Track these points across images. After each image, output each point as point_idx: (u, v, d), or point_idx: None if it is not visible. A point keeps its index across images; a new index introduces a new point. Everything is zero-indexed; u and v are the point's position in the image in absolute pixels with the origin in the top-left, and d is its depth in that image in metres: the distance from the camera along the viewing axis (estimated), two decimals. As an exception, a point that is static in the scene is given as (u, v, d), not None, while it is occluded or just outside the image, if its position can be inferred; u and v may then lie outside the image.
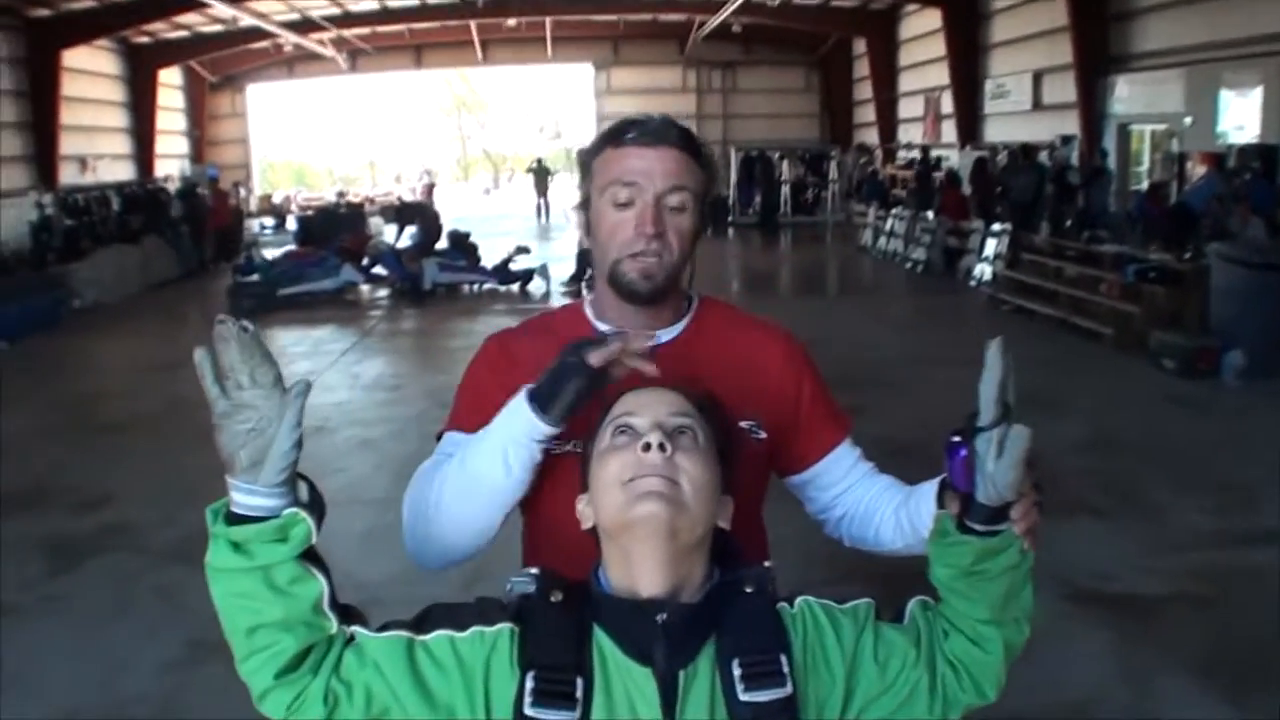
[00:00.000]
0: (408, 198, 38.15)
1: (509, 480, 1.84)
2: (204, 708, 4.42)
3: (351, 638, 1.54)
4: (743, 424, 2.01)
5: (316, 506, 1.48)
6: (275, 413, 1.42)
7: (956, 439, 1.56)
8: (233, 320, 1.40)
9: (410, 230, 19.51)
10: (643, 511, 1.51)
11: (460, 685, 1.51)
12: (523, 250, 17.94)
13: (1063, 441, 7.75)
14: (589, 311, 2.15)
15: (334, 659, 1.51)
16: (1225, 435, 8.44)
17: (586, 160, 2.09)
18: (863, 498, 2.14)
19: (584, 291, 14.73)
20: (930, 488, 1.88)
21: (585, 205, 2.09)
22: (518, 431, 1.80)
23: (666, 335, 2.08)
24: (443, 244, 18.65)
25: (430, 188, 40.48)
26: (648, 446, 1.54)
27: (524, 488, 1.87)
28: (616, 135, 2.03)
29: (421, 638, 1.53)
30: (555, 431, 1.77)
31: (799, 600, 1.62)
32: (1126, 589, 5.53)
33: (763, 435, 2.07)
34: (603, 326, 2.09)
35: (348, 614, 1.55)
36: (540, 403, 1.77)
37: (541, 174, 35.89)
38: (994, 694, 1.67)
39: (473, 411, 2.03)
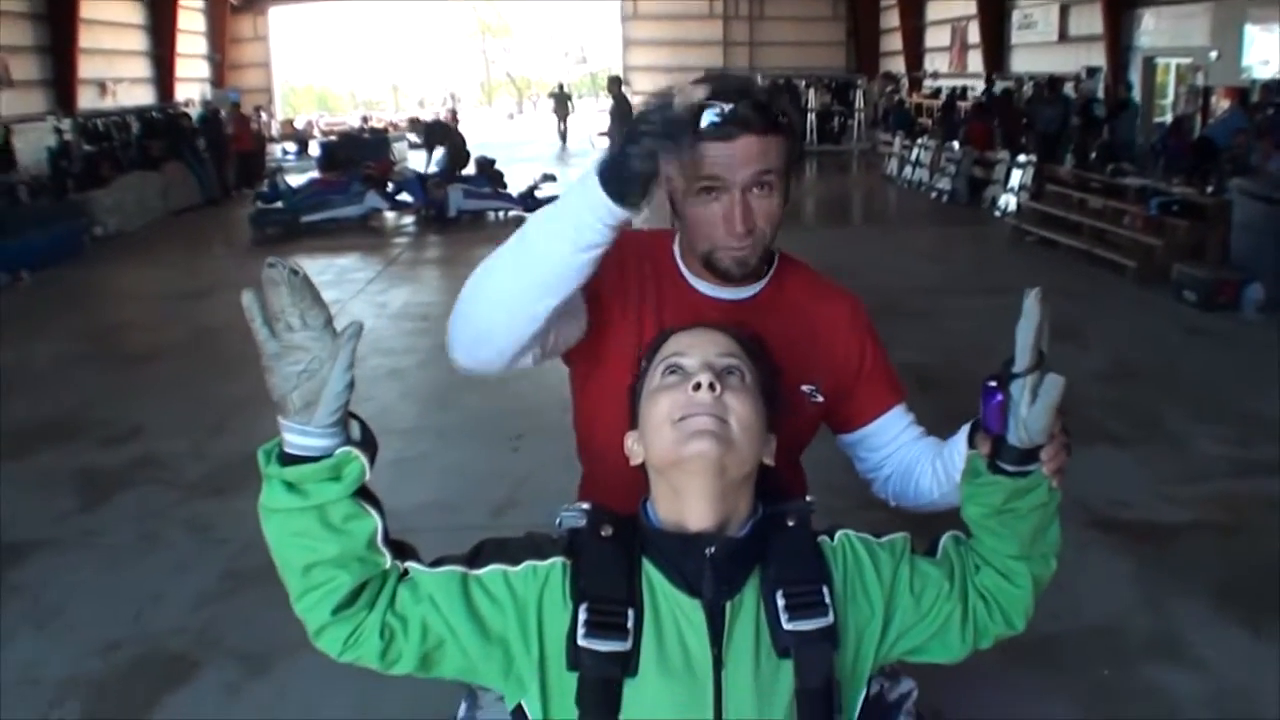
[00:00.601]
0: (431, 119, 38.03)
1: (572, 258, 1.72)
2: (239, 637, 4.49)
3: (405, 572, 1.59)
4: (804, 388, 2.09)
5: (369, 444, 1.52)
6: (327, 355, 1.44)
7: (992, 383, 1.60)
8: (282, 263, 1.40)
9: (438, 152, 19.30)
10: (693, 449, 1.55)
11: (514, 617, 1.56)
12: (549, 178, 17.75)
13: (1084, 371, 7.77)
14: (676, 250, 2.15)
15: (389, 594, 1.56)
16: (1244, 367, 8.46)
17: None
18: (907, 457, 2.18)
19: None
20: (961, 435, 1.93)
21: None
22: (587, 214, 1.68)
23: (746, 292, 2.12)
24: (470, 169, 18.53)
25: (454, 112, 40.23)
26: (698, 386, 1.59)
27: (583, 275, 1.75)
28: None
29: (475, 572, 1.59)
30: (628, 216, 1.67)
31: (839, 534, 1.69)
32: (1146, 516, 5.59)
33: (820, 399, 2.13)
34: (688, 274, 2.12)
35: (401, 550, 1.60)
36: (613, 184, 1.63)
37: (562, 100, 35.60)
38: (1022, 625, 1.75)
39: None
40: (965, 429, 1.87)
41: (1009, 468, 1.61)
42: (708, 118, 1.87)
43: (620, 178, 1.62)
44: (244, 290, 1.41)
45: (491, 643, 1.57)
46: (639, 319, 2.07)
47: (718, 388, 1.58)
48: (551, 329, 1.87)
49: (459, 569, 1.59)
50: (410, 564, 1.59)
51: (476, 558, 1.61)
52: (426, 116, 23.46)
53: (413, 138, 31.71)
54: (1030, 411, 1.54)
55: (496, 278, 1.81)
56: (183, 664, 4.36)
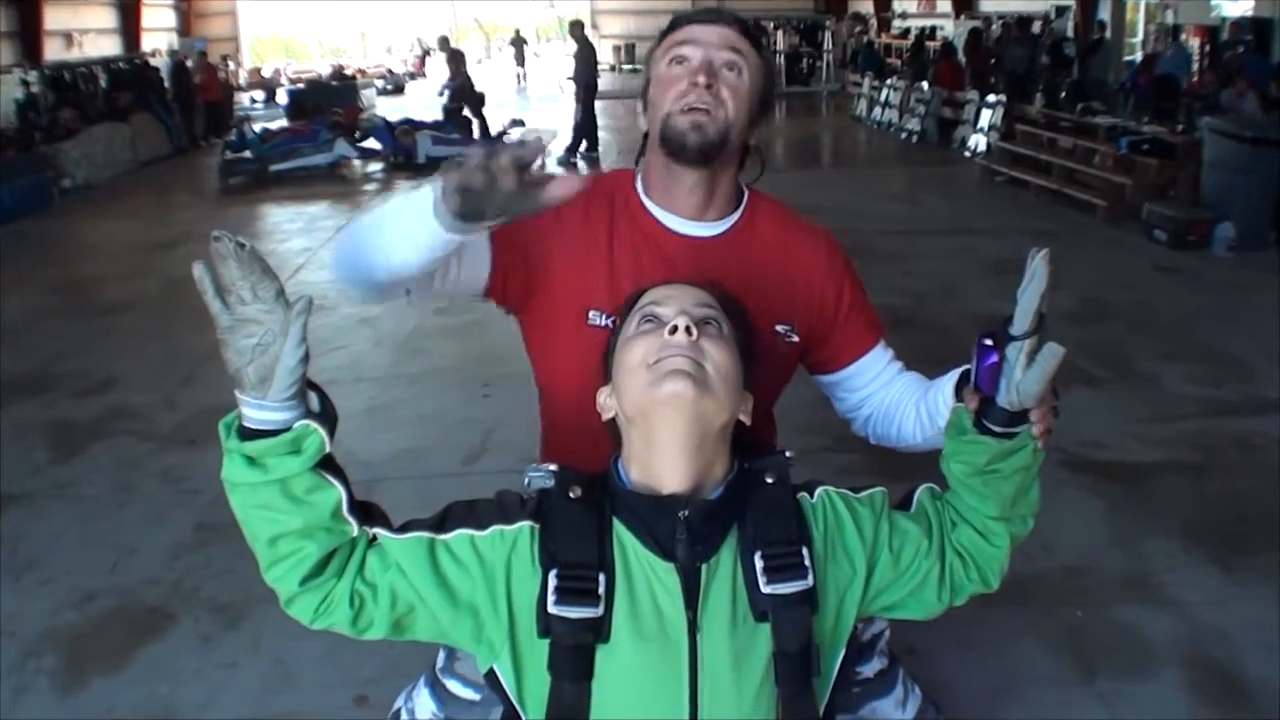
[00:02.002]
0: (400, 69, 37.64)
1: (418, 255, 1.73)
2: (214, 588, 4.50)
3: (374, 539, 1.57)
4: (778, 328, 2.04)
5: (328, 416, 1.49)
6: (279, 328, 1.40)
7: (987, 341, 1.57)
8: (228, 236, 1.37)
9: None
10: (668, 390, 1.51)
11: (482, 583, 1.54)
12: (517, 123, 17.68)
13: (1055, 311, 7.37)
14: (638, 184, 2.11)
15: (358, 561, 1.55)
16: (1215, 306, 8.50)
17: (649, 55, 2.07)
18: (887, 397, 2.15)
19: (579, 162, 14.51)
20: (949, 381, 1.91)
21: (645, 93, 2.06)
22: (423, 231, 1.68)
23: (717, 229, 2.07)
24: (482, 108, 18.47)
25: (422, 58, 39.93)
26: (674, 330, 1.54)
27: (443, 255, 1.75)
28: (674, 24, 2.02)
29: (442, 537, 1.56)
30: (453, 238, 1.66)
31: (819, 490, 1.66)
32: (1117, 456, 5.63)
33: (795, 339, 2.09)
34: (649, 203, 2.07)
35: (369, 514, 1.58)
36: (447, 216, 1.63)
37: (519, 44, 35.69)
38: (997, 583, 1.73)
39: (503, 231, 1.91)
40: (953, 377, 1.86)
41: (995, 428, 1.59)
42: (687, 17, 1.99)
43: (457, 213, 1.63)
44: (194, 262, 1.39)
45: (460, 609, 1.55)
46: (596, 262, 2.03)
47: (694, 332, 1.54)
48: (439, 272, 1.86)
49: (426, 534, 1.57)
50: (378, 530, 1.58)
51: (444, 522, 1.59)
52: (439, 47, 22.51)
53: (380, 84, 31.48)
54: (1025, 375, 1.52)
55: (359, 238, 1.84)
56: (158, 615, 4.37)
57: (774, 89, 2.09)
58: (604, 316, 1.93)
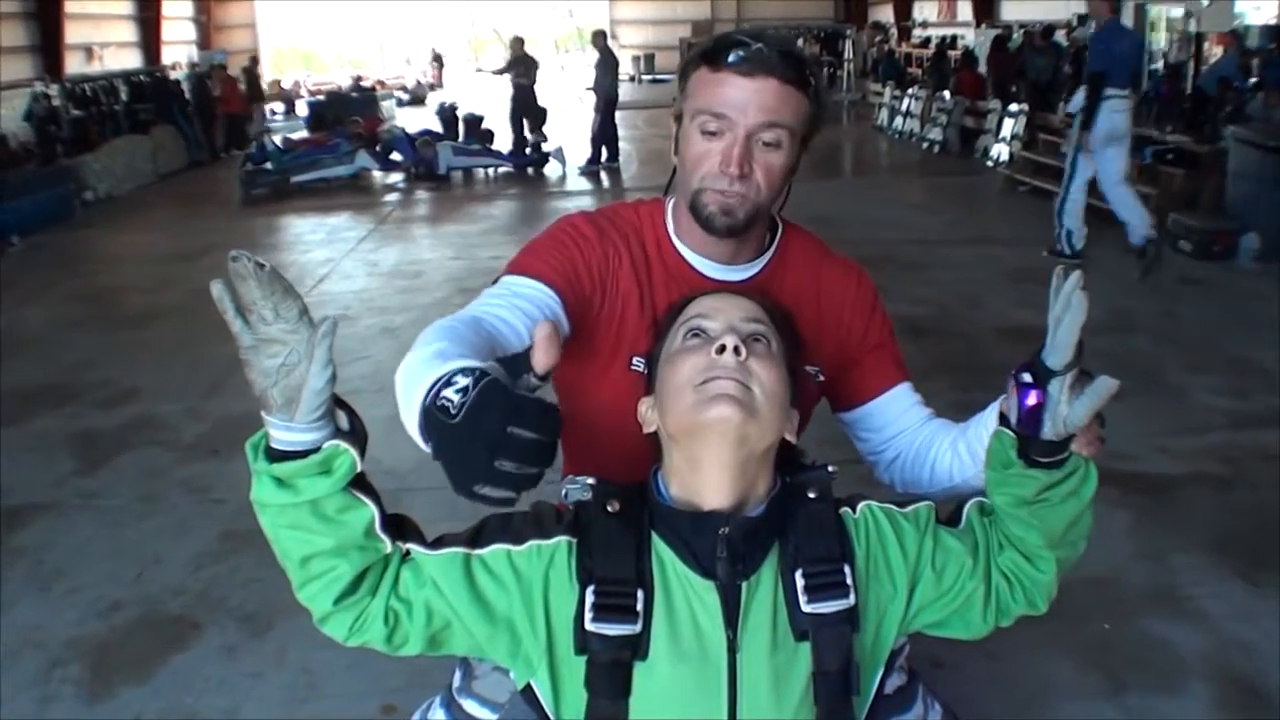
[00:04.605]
0: (419, 79, 37.66)
1: None
2: (239, 598, 4.51)
3: (407, 554, 1.54)
4: (808, 368, 1.96)
5: (358, 434, 1.43)
6: (304, 349, 1.35)
7: (1026, 377, 1.48)
8: (246, 256, 1.30)
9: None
10: (715, 414, 1.47)
11: (519, 599, 1.52)
12: (540, 137, 17.78)
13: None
14: (669, 225, 2.05)
15: (391, 578, 1.52)
16: (1240, 318, 8.41)
17: (685, 73, 1.94)
18: (915, 440, 2.06)
19: (600, 171, 14.44)
20: (990, 416, 1.80)
21: (678, 120, 1.96)
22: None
23: (748, 271, 2.02)
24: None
25: (440, 68, 40.01)
26: (722, 349, 1.50)
27: None
28: (715, 55, 1.85)
29: (478, 552, 1.54)
30: None
31: (861, 505, 1.62)
32: (1144, 468, 5.57)
33: (822, 379, 2.05)
34: (681, 246, 2.01)
35: (401, 529, 1.54)
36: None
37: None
38: (1045, 606, 1.69)
39: (545, 265, 1.91)
40: (992, 411, 1.77)
41: (1041, 459, 1.51)
42: (729, 54, 1.81)
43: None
44: (212, 282, 1.33)
45: (497, 624, 1.53)
46: (636, 307, 1.98)
47: (743, 352, 1.50)
48: None
49: (461, 550, 1.54)
50: (412, 545, 1.54)
51: (479, 537, 1.56)
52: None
53: (400, 95, 31.49)
54: (1072, 409, 1.45)
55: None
56: (183, 625, 4.37)
57: (821, 123, 1.97)
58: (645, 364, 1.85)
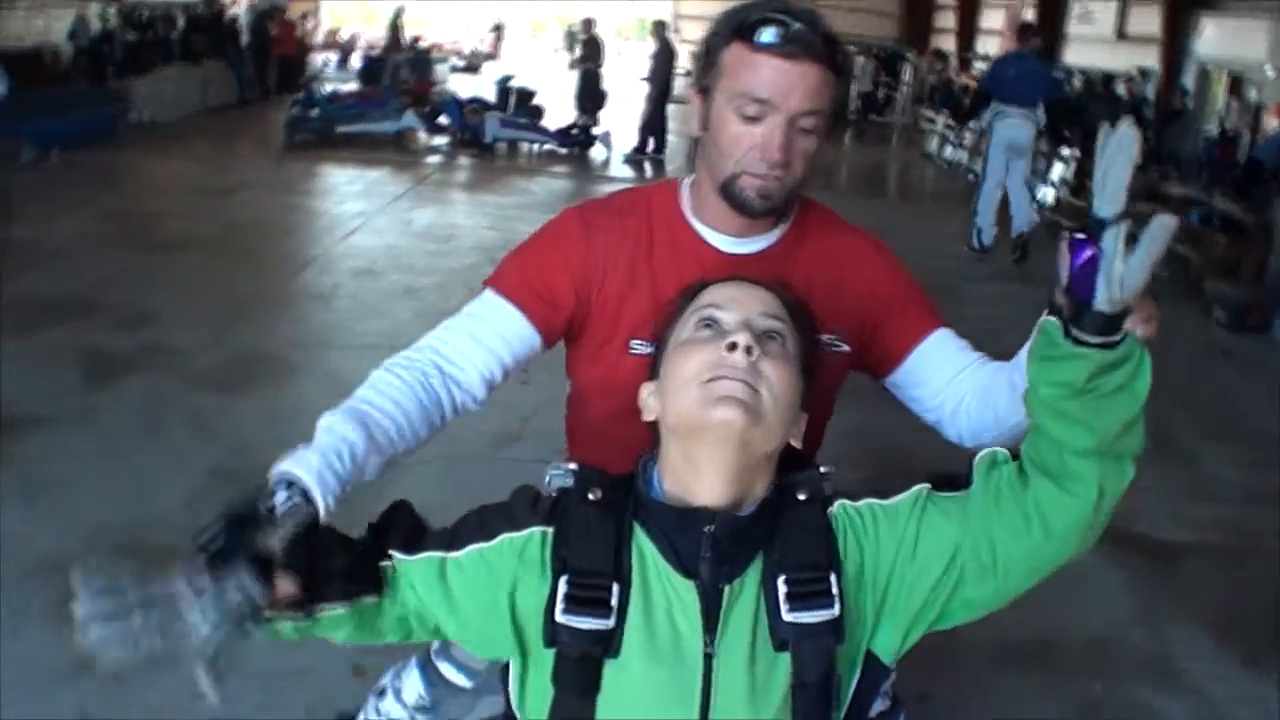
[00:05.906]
0: (476, 47, 37.73)
1: None
2: (224, 539, 4.44)
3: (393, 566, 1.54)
4: (824, 337, 1.83)
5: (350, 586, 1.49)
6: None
7: (1081, 236, 1.28)
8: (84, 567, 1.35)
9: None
10: (719, 416, 1.40)
11: (489, 594, 1.49)
12: (590, 121, 17.80)
13: None
14: (685, 204, 2.00)
15: (390, 599, 1.54)
16: (1266, 392, 8.25)
17: (713, 46, 1.86)
18: (971, 385, 1.96)
19: (644, 161, 14.44)
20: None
21: (705, 93, 1.89)
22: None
23: (762, 244, 1.98)
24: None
25: (499, 40, 40.04)
26: (733, 346, 1.42)
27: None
28: (752, 31, 1.78)
29: (453, 555, 1.51)
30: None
31: (850, 504, 1.51)
32: (1151, 532, 5.44)
33: (845, 348, 1.98)
34: (698, 224, 1.97)
35: (387, 528, 1.56)
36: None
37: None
38: (1079, 542, 1.50)
39: (524, 284, 1.97)
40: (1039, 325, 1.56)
41: (1091, 339, 1.30)
42: (767, 33, 1.74)
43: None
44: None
45: (470, 623, 1.52)
46: (639, 291, 1.96)
47: (755, 351, 1.42)
48: (507, 370, 2.05)
49: (438, 554, 1.51)
50: (396, 555, 1.52)
51: (455, 539, 1.53)
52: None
53: (456, 61, 31.48)
54: (1129, 264, 1.23)
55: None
56: (163, 557, 4.29)
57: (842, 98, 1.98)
58: (647, 346, 1.78)
